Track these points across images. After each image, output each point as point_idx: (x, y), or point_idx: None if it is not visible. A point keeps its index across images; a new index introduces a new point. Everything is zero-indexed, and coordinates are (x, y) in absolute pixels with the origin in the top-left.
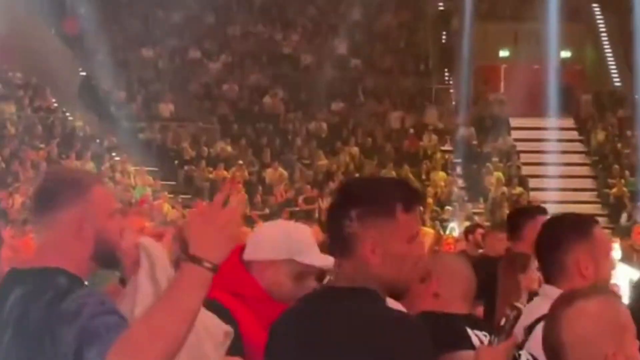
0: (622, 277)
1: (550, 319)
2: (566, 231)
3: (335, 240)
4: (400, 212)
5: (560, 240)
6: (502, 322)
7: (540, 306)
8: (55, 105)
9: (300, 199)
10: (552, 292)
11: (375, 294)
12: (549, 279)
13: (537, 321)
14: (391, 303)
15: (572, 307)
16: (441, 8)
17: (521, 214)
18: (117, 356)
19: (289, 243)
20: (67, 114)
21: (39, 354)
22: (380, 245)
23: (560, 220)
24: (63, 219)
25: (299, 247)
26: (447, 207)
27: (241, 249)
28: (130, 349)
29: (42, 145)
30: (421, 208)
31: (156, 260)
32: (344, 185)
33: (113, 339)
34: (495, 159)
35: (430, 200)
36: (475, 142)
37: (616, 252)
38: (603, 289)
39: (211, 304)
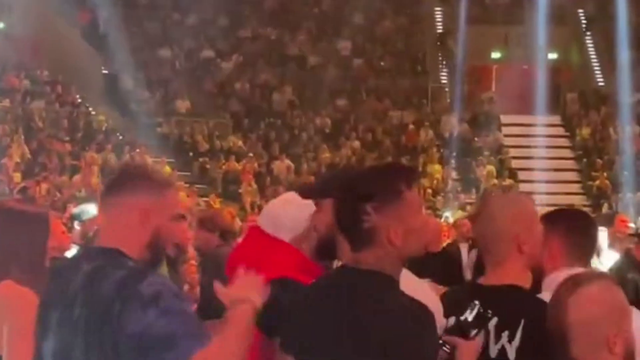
0: (610, 262)
1: (555, 305)
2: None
3: (355, 235)
4: (406, 191)
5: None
6: (472, 314)
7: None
8: (80, 101)
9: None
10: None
11: (392, 279)
12: (572, 262)
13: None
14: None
15: (575, 292)
16: (438, 13)
17: None
18: None
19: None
20: (90, 109)
21: (106, 329)
22: (400, 228)
23: (557, 212)
24: (133, 202)
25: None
26: (441, 197)
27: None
28: None
29: (66, 138)
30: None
31: None
32: (351, 181)
33: (195, 345)
34: (486, 153)
35: (427, 191)
36: (468, 137)
37: (603, 239)
38: (602, 274)
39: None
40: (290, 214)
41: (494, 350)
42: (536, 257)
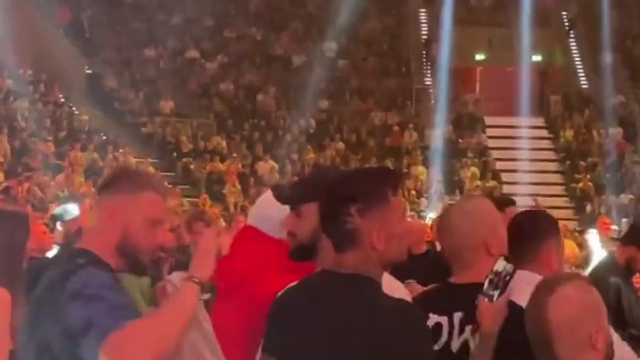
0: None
1: (534, 307)
2: (541, 223)
3: (338, 236)
4: (391, 196)
5: (535, 232)
6: (492, 276)
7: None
8: (63, 100)
9: None
10: (526, 277)
11: (373, 281)
12: (521, 266)
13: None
14: (393, 286)
15: (554, 293)
16: (422, 15)
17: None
18: (112, 347)
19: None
20: (74, 108)
21: (40, 329)
22: (382, 231)
23: (533, 214)
24: (107, 205)
25: None
26: (425, 199)
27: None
28: (125, 343)
29: (50, 138)
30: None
31: None
32: (337, 183)
33: (109, 326)
34: (470, 155)
35: (411, 192)
36: (452, 139)
37: (594, 240)
38: (577, 275)
39: None
40: (283, 212)
41: (456, 344)
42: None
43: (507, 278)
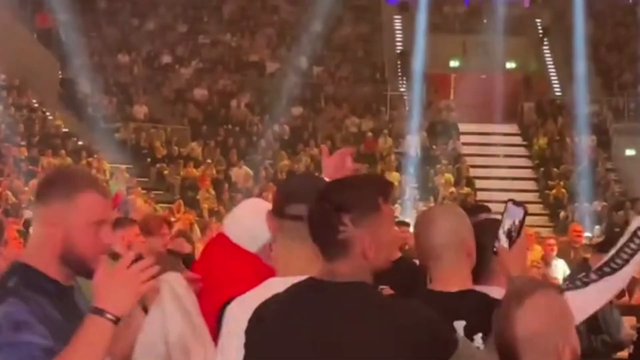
0: (560, 271)
1: (502, 318)
2: (494, 236)
3: (331, 245)
4: (383, 205)
5: (486, 245)
6: (505, 222)
7: None
8: (36, 105)
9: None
10: (478, 289)
11: (373, 287)
12: (476, 279)
13: None
14: None
15: (522, 304)
16: (397, 22)
17: (466, 211)
18: None
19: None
20: (47, 113)
21: None
22: (374, 240)
23: (486, 225)
24: (45, 214)
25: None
26: (398, 205)
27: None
28: None
29: (23, 143)
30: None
31: (182, 293)
32: (326, 192)
33: None
34: (445, 161)
35: None
36: (426, 146)
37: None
38: (545, 283)
39: None
40: (258, 225)
41: None
42: (474, 259)
43: (521, 219)
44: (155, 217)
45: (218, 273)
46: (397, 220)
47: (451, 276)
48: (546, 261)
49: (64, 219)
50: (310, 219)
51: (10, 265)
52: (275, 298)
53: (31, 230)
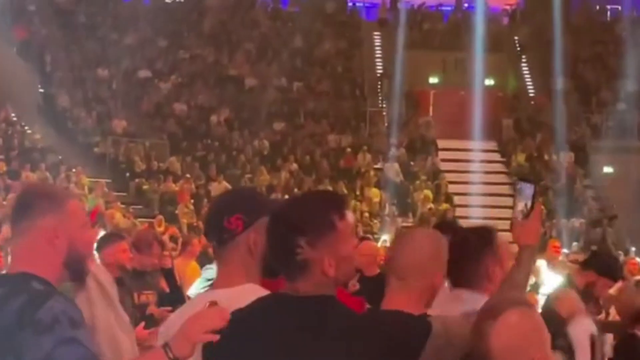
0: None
1: (477, 333)
2: (475, 241)
3: (289, 267)
4: (338, 221)
5: (470, 250)
6: (521, 206)
7: (454, 308)
8: (15, 119)
9: None
10: (463, 296)
11: (335, 299)
12: (459, 284)
13: None
14: None
15: (497, 320)
16: (376, 38)
17: (443, 227)
18: None
19: None
20: (26, 127)
21: (8, 356)
22: (333, 257)
23: (467, 232)
24: (38, 226)
25: None
26: (378, 221)
27: None
28: None
29: (1, 157)
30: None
31: (106, 283)
32: (280, 215)
33: None
34: (423, 178)
35: (364, 214)
36: (405, 162)
37: (542, 265)
38: (520, 300)
39: None
40: None
41: None
42: (437, 291)
43: (532, 192)
44: (146, 235)
45: None
46: (360, 236)
47: (401, 298)
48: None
49: (63, 227)
50: (267, 240)
51: (14, 274)
52: (240, 311)
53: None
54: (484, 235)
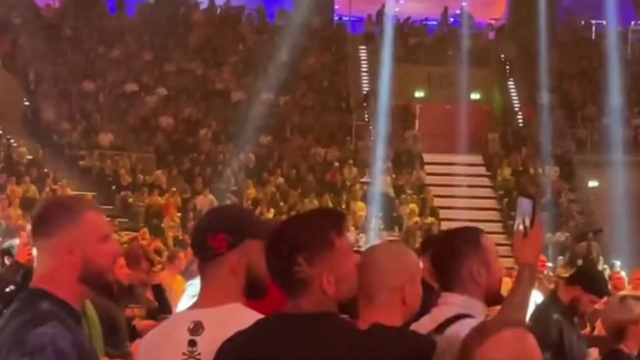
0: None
1: (465, 355)
2: (458, 244)
3: (289, 285)
4: (337, 239)
5: (454, 253)
6: (518, 222)
7: (442, 311)
8: (0, 132)
9: None
10: (451, 299)
11: (337, 316)
12: (447, 287)
13: (441, 325)
14: None
15: (485, 341)
16: (362, 52)
17: (430, 242)
18: None
19: None
20: (12, 141)
21: None
22: (332, 274)
23: (451, 234)
24: (54, 243)
25: None
26: (363, 235)
27: None
28: None
29: None
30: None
31: None
32: (279, 233)
33: None
34: (409, 192)
35: (350, 228)
36: (391, 175)
37: None
38: (512, 321)
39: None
40: None
41: None
42: (414, 311)
43: (533, 208)
44: (135, 251)
45: None
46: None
47: (372, 316)
48: None
49: (78, 242)
50: (266, 259)
51: (30, 290)
52: (242, 333)
53: (6, 259)
54: (467, 236)
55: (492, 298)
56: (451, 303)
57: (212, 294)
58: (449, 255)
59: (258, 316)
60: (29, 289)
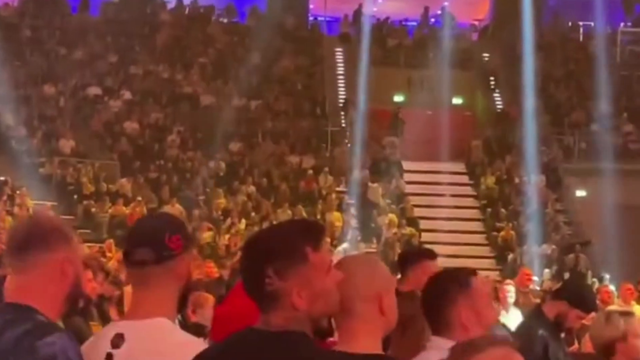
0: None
1: None
2: (447, 286)
3: (259, 297)
4: (312, 253)
5: (441, 295)
6: None
7: (429, 356)
8: None
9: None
10: (439, 344)
11: (306, 335)
12: (436, 331)
13: None
14: None
15: (471, 359)
16: (338, 54)
17: (408, 257)
18: None
19: None
20: None
21: None
22: (304, 290)
23: (441, 275)
24: (48, 260)
25: None
26: (340, 247)
27: None
28: None
29: None
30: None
31: None
32: (252, 243)
33: None
34: (388, 201)
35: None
36: (369, 184)
37: (511, 295)
38: (496, 339)
39: None
40: None
41: None
42: (393, 323)
43: None
44: (89, 263)
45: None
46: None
47: (359, 335)
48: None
49: (73, 263)
50: (240, 268)
51: (15, 304)
52: (213, 348)
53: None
54: (458, 279)
55: None
56: (438, 348)
57: (149, 304)
58: (436, 299)
59: (181, 333)
60: (11, 303)
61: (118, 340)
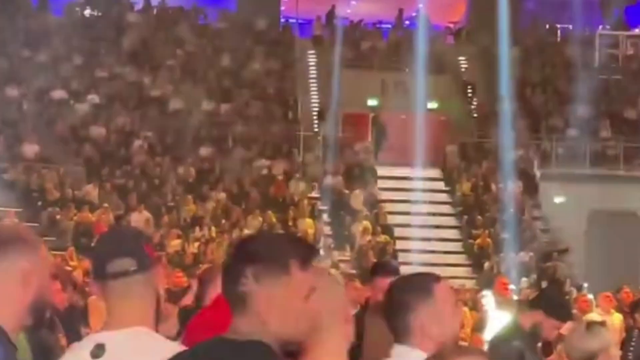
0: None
1: None
2: (408, 294)
3: (231, 297)
4: (296, 269)
5: (403, 304)
6: None
7: None
8: None
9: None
10: (401, 352)
11: (269, 348)
12: (398, 340)
13: None
14: None
15: None
16: (311, 57)
17: (376, 269)
18: None
19: None
20: None
21: None
22: (276, 303)
23: (403, 282)
24: (12, 268)
25: None
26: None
27: None
28: None
29: None
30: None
31: None
32: (240, 242)
33: None
34: (361, 207)
35: None
36: (342, 190)
37: (489, 302)
38: (470, 348)
39: None
40: None
41: None
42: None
43: None
44: (57, 273)
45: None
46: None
47: (323, 347)
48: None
49: (37, 273)
50: (222, 268)
51: None
52: (179, 356)
53: None
54: (421, 286)
55: None
56: (401, 356)
57: (129, 314)
58: (396, 308)
59: (164, 341)
60: None
61: (98, 351)
